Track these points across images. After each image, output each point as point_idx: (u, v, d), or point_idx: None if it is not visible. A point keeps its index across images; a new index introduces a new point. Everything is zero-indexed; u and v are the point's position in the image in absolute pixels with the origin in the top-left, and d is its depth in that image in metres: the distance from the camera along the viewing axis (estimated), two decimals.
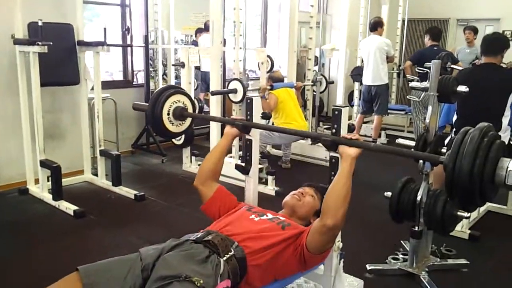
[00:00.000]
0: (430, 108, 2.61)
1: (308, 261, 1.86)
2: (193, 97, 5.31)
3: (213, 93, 4.35)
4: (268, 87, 4.80)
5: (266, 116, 2.06)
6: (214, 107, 4.62)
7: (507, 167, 1.40)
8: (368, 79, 6.14)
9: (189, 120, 2.47)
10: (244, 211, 2.12)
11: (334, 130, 1.85)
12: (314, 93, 5.81)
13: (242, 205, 2.16)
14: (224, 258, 1.72)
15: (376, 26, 6.07)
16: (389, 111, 7.11)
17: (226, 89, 4.52)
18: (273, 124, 4.90)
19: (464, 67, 4.70)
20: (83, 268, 1.65)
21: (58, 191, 3.84)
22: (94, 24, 5.99)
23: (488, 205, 3.82)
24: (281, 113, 4.93)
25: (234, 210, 2.11)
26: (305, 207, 2.15)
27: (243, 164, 2.23)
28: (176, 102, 2.38)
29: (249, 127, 2.14)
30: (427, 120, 2.62)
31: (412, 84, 2.77)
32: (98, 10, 6.17)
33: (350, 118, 7.16)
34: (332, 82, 6.27)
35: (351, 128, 1.87)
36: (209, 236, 1.80)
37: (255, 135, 2.17)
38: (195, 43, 6.58)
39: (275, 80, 5.05)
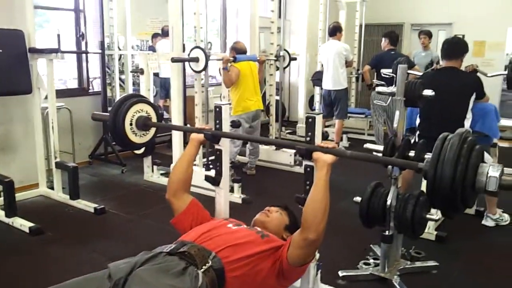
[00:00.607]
0: (397, 112, 2.61)
1: (287, 275, 1.80)
2: None
3: (174, 60, 4.13)
4: (231, 59, 4.61)
5: (235, 124, 1.99)
6: (176, 114, 4.48)
7: (487, 173, 1.38)
8: (328, 84, 6.17)
9: (153, 130, 2.37)
10: (220, 220, 2.06)
11: (308, 138, 1.79)
12: (277, 94, 5.75)
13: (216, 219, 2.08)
14: (202, 270, 1.63)
15: (335, 31, 6.11)
16: (349, 114, 7.18)
17: (187, 57, 4.33)
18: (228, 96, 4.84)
19: (423, 71, 4.79)
20: None
21: (11, 207, 3.60)
22: (46, 30, 5.72)
23: None
24: (239, 88, 4.81)
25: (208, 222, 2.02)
26: (274, 222, 2.11)
27: (213, 175, 2.13)
28: (139, 112, 2.27)
29: (219, 136, 2.05)
30: (395, 125, 2.62)
31: (378, 89, 2.78)
32: (49, 16, 5.91)
33: None
34: (295, 59, 6.11)
35: (325, 136, 1.81)
36: (184, 247, 1.71)
37: (225, 145, 2.09)
38: (151, 49, 6.41)
39: (238, 51, 4.84)
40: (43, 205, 4.13)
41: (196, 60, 4.21)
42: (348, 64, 6.24)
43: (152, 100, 5.22)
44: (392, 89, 2.63)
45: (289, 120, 8.26)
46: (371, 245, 3.24)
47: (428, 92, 2.58)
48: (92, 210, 3.90)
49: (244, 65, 4.80)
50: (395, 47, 5.97)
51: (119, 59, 5.85)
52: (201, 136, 2.12)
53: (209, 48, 4.34)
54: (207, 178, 2.15)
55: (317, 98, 6.85)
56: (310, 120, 1.77)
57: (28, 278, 2.81)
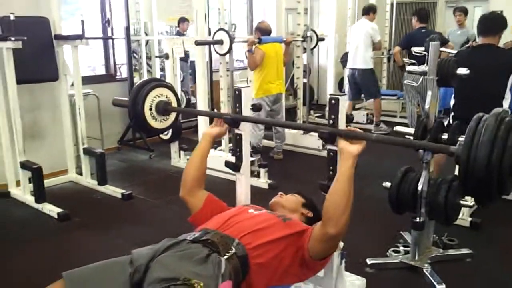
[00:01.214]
0: (429, 92, 2.47)
1: (309, 265, 1.73)
2: (179, 90, 5.23)
3: (197, 43, 4.09)
4: (256, 40, 4.50)
5: (256, 108, 1.92)
6: (201, 99, 4.43)
7: None
8: (351, 62, 6.11)
9: (173, 115, 2.31)
10: (241, 206, 2.01)
11: (331, 121, 1.69)
12: (305, 80, 5.63)
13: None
14: (225, 257, 1.59)
15: (368, 10, 5.94)
16: (381, 96, 7.00)
17: (211, 39, 4.27)
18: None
19: (457, 49, 4.55)
20: (68, 275, 1.51)
21: (40, 193, 3.65)
22: (77, 18, 5.74)
23: None
24: (263, 70, 4.70)
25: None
26: (289, 202, 2.06)
27: (233, 161, 2.06)
28: (159, 96, 2.21)
29: (238, 120, 1.97)
30: (427, 106, 2.49)
31: (409, 68, 2.64)
32: (80, 4, 5.93)
33: None
34: (323, 39, 5.95)
35: (349, 118, 1.71)
36: (207, 234, 1.67)
37: (245, 129, 2.01)
38: (179, 34, 6.36)
39: (263, 32, 4.73)
40: (72, 191, 4.18)
41: (220, 42, 4.13)
42: (375, 46, 6.05)
43: (179, 85, 5.22)
44: (423, 68, 2.49)
45: (318, 103, 8.11)
46: (401, 232, 3.13)
47: (462, 71, 2.42)
48: (120, 196, 3.92)
49: (269, 47, 4.68)
50: (426, 24, 5.66)
51: (146, 44, 5.83)
52: (214, 130, 2.08)
53: (234, 30, 4.24)
54: (227, 164, 2.08)
55: (346, 81, 6.65)
56: (333, 101, 1.67)
57: (52, 263, 2.82)
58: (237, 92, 1.98)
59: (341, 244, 1.87)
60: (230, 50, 4.11)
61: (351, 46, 6.12)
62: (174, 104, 2.29)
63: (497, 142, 1.25)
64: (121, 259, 1.59)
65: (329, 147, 1.74)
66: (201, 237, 1.65)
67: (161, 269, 1.47)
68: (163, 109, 2.19)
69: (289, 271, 1.72)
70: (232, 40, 4.07)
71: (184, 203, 2.05)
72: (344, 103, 1.68)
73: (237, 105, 1.99)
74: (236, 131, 2.02)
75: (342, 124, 1.68)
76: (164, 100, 2.22)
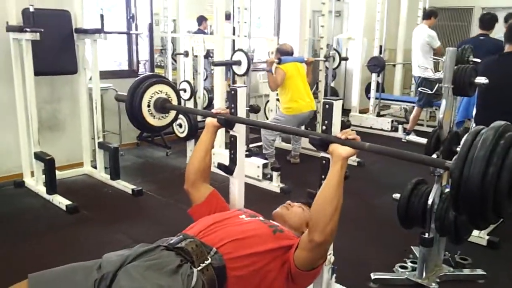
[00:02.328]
0: (443, 101, 2.33)
1: (296, 279, 1.61)
2: (201, 88, 5.20)
3: (215, 64, 4.09)
4: (276, 61, 4.43)
5: (254, 109, 1.85)
6: (219, 99, 4.38)
7: None
8: (413, 69, 5.95)
9: (173, 113, 2.25)
10: (234, 210, 1.92)
11: (324, 127, 1.59)
12: (326, 74, 5.49)
13: None
14: (199, 268, 1.49)
15: (430, 15, 5.72)
16: (407, 103, 6.79)
17: (229, 60, 4.24)
18: (278, 100, 4.60)
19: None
20: (33, 277, 1.47)
21: (51, 185, 3.68)
22: (109, 13, 5.80)
23: None
24: (287, 90, 4.59)
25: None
26: (295, 216, 1.91)
27: (227, 164, 1.98)
28: (158, 93, 2.16)
29: (233, 121, 1.89)
30: (440, 115, 2.34)
31: (424, 74, 2.48)
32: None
33: (366, 111, 6.93)
34: (347, 59, 5.85)
35: (345, 125, 1.61)
36: (183, 242, 1.57)
37: (240, 131, 1.93)
38: (201, 32, 6.29)
39: (283, 53, 4.65)
40: (84, 184, 4.20)
41: (238, 63, 4.10)
42: (435, 51, 5.69)
43: (202, 84, 5.19)
44: (438, 75, 2.34)
45: (344, 108, 7.92)
46: (411, 247, 2.97)
47: (481, 80, 2.27)
48: (130, 192, 3.91)
49: (290, 66, 4.58)
50: (488, 31, 5.03)
51: (172, 42, 5.83)
52: (216, 121, 1.97)
53: (252, 51, 4.21)
54: (219, 166, 2.00)
55: (372, 86, 6.48)
56: (327, 106, 1.57)
57: (54, 255, 2.82)
58: (232, 92, 1.90)
59: (332, 258, 1.76)
60: (248, 71, 4.05)
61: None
62: (175, 102, 2.23)
63: (494, 159, 1.13)
64: (89, 264, 1.52)
65: (322, 154, 1.64)
66: (176, 244, 1.56)
67: (127, 280, 1.40)
68: (161, 106, 2.14)
69: (273, 285, 1.61)
70: (250, 61, 4.03)
71: (188, 195, 1.99)
72: (339, 108, 1.58)
73: (232, 105, 1.91)
74: (231, 132, 1.94)
75: (336, 130, 1.58)
76: (163, 97, 2.17)
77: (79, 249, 2.94)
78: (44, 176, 3.75)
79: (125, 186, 4.00)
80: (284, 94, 4.64)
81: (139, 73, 5.68)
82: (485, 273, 2.69)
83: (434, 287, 2.51)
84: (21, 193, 3.87)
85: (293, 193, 4.03)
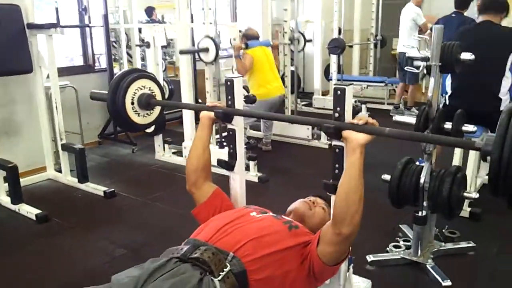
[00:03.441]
0: (432, 79, 2.32)
1: (318, 275, 1.55)
2: (161, 80, 5.00)
3: (182, 52, 3.97)
4: (243, 46, 4.39)
5: (250, 100, 1.77)
6: (186, 90, 4.23)
7: None
8: (398, 46, 6.15)
9: (158, 109, 2.11)
10: (242, 208, 1.81)
11: (337, 114, 1.52)
12: (292, 66, 5.47)
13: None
14: (219, 278, 1.39)
15: None
16: (368, 83, 6.87)
17: (196, 47, 4.14)
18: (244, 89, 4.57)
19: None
20: None
21: (16, 194, 3.42)
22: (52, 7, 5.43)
23: (484, 178, 3.59)
24: (256, 74, 4.58)
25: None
26: (315, 219, 1.82)
27: (226, 159, 1.88)
28: (141, 89, 2.02)
29: (231, 114, 1.79)
30: (429, 94, 2.33)
31: (409, 53, 2.47)
32: None
33: (327, 93, 6.96)
34: (310, 40, 5.88)
35: (355, 110, 1.54)
36: (197, 251, 1.45)
37: (239, 124, 1.83)
38: (152, 22, 6.04)
39: (249, 37, 4.64)
40: (51, 189, 3.96)
41: (205, 50, 4.00)
42: (421, 28, 5.89)
43: (161, 75, 4.99)
44: (425, 53, 2.32)
45: (304, 91, 7.94)
46: (399, 225, 3.00)
47: (467, 56, 2.27)
48: (102, 194, 3.71)
49: (257, 51, 4.58)
50: (462, 10, 4.87)
51: (126, 33, 5.57)
52: (212, 114, 1.85)
53: (219, 35, 4.13)
54: (219, 163, 1.89)
55: (333, 67, 6.50)
56: (338, 92, 1.49)
57: (33, 271, 2.64)
58: (228, 83, 1.79)
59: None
60: (216, 58, 3.96)
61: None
62: (159, 97, 2.10)
63: None
64: None
65: (334, 142, 1.57)
66: (190, 254, 1.44)
67: None
68: (146, 102, 2.00)
69: (295, 284, 1.54)
70: (218, 47, 3.94)
71: (191, 195, 1.86)
72: (351, 93, 1.51)
73: (229, 97, 1.80)
74: (229, 126, 1.84)
75: (348, 117, 1.51)
76: (147, 93, 2.03)
77: (63, 260, 2.75)
78: (6, 184, 3.49)
79: (95, 188, 3.79)
80: (252, 79, 4.61)
81: (95, 68, 5.40)
82: (474, 244, 2.75)
83: (431, 264, 2.53)
84: None
85: (270, 182, 3.97)
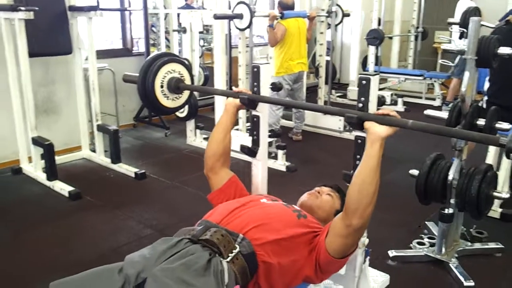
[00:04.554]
0: (467, 74, 2.25)
1: (324, 267, 1.54)
2: (197, 66, 5.05)
3: (216, 17, 3.92)
4: (278, 15, 4.28)
5: (276, 87, 1.76)
6: (219, 77, 4.26)
7: None
8: None
9: (187, 93, 2.14)
10: (254, 196, 1.83)
11: (361, 105, 1.50)
12: (327, 57, 5.40)
13: None
14: (228, 259, 1.41)
15: None
16: (405, 76, 6.71)
17: (230, 13, 4.10)
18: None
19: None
20: (54, 286, 1.36)
21: (52, 171, 3.56)
22: None
23: None
24: (284, 47, 4.46)
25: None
26: (324, 207, 1.81)
27: (250, 145, 1.89)
28: (171, 72, 2.04)
29: (256, 101, 1.80)
30: (463, 88, 2.26)
31: (444, 46, 2.40)
32: None
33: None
34: (349, 15, 5.68)
35: (381, 101, 1.52)
36: (207, 232, 1.47)
37: (263, 110, 1.84)
38: (188, 7, 6.08)
39: (285, 7, 4.47)
40: (85, 168, 4.09)
41: (240, 16, 3.95)
42: None
43: (197, 61, 5.04)
44: (461, 46, 2.26)
45: (339, 82, 7.85)
46: (425, 222, 2.95)
47: (505, 50, 2.19)
48: (133, 175, 3.81)
49: (291, 23, 4.43)
50: None
51: (165, 18, 5.64)
52: (237, 101, 1.86)
53: (254, 3, 4.04)
54: (243, 149, 1.91)
55: (371, 59, 6.37)
56: (363, 82, 1.47)
57: (61, 244, 2.75)
58: (255, 70, 1.80)
59: (366, 240, 1.69)
60: (250, 25, 3.92)
61: None
62: (188, 81, 2.12)
63: None
64: (112, 267, 1.40)
65: (356, 133, 1.55)
66: (200, 235, 1.46)
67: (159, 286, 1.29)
68: (175, 86, 2.03)
69: (302, 273, 1.54)
70: (252, 14, 3.88)
71: (207, 180, 1.89)
72: (376, 84, 1.49)
73: (255, 83, 1.81)
74: (254, 112, 1.85)
75: (372, 108, 1.49)
76: (177, 77, 2.05)
77: (91, 236, 2.86)
78: (43, 161, 3.64)
79: (127, 169, 3.90)
80: (279, 51, 4.49)
81: (134, 51, 5.51)
82: (502, 246, 2.67)
83: (454, 263, 2.48)
84: (20, 180, 3.75)
85: (299, 171, 3.97)
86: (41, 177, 3.63)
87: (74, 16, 3.93)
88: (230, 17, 4.13)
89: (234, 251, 1.43)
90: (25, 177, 3.77)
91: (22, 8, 3.22)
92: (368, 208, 1.44)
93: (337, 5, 5.36)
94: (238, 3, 4.00)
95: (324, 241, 1.51)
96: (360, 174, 1.46)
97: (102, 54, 4.78)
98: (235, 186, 1.85)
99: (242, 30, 4.05)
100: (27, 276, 2.43)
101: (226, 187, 1.84)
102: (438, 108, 6.05)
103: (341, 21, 5.52)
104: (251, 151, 1.88)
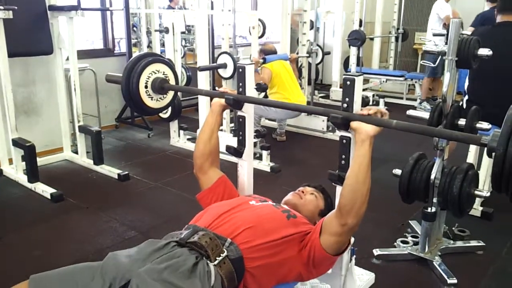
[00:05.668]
0: (447, 74, 2.29)
1: (318, 264, 1.56)
2: (179, 66, 5.03)
3: (201, 69, 4.01)
4: (261, 60, 4.43)
5: (261, 88, 1.77)
6: (203, 77, 4.24)
7: None
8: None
9: (171, 93, 2.14)
10: (242, 197, 1.83)
11: (345, 105, 1.52)
12: (310, 61, 5.47)
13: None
14: (215, 263, 1.41)
15: None
16: (387, 77, 6.79)
17: (214, 64, 4.22)
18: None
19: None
20: (34, 278, 1.35)
21: (33, 172, 3.50)
22: None
23: None
24: (277, 87, 4.56)
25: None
26: (308, 206, 1.84)
27: (235, 146, 1.89)
28: (155, 73, 2.04)
29: (242, 101, 1.80)
30: (444, 89, 2.31)
31: (425, 47, 2.44)
32: None
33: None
34: (329, 53, 5.96)
35: (365, 101, 1.53)
36: (195, 235, 1.47)
37: (248, 111, 1.84)
38: (171, 8, 6.05)
39: (267, 52, 4.67)
40: (67, 170, 4.03)
41: (223, 66, 4.07)
42: (444, 22, 5.87)
43: (179, 62, 5.02)
44: (441, 47, 2.29)
45: (322, 83, 7.89)
46: (409, 221, 2.99)
47: (484, 51, 2.23)
48: (116, 176, 3.77)
49: (276, 64, 4.58)
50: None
51: (146, 18, 5.61)
52: (222, 101, 1.87)
53: (237, 51, 4.28)
54: (228, 149, 1.91)
55: (353, 60, 6.43)
56: (348, 82, 1.49)
57: (43, 247, 2.70)
58: (240, 70, 1.80)
59: (352, 239, 1.71)
60: (234, 74, 3.97)
61: None
62: (172, 82, 2.11)
63: None
64: (94, 265, 1.39)
65: (341, 133, 1.57)
66: (188, 238, 1.46)
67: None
68: (159, 87, 2.02)
69: (292, 272, 1.56)
70: (236, 63, 3.94)
71: (197, 180, 1.89)
72: (360, 84, 1.50)
73: (240, 84, 1.81)
74: (239, 113, 1.85)
75: (357, 108, 1.51)
76: (161, 77, 2.05)
77: (74, 239, 2.83)
78: (24, 163, 3.57)
79: (110, 171, 3.85)
80: (274, 93, 4.59)
81: (115, 52, 5.45)
82: (483, 244, 2.72)
83: (437, 261, 2.52)
84: (0, 183, 3.67)
85: (283, 172, 3.98)
86: (22, 179, 3.57)
87: (54, 16, 3.87)
88: (214, 68, 4.27)
89: (221, 255, 1.43)
90: (6, 179, 3.70)
91: (1, 7, 3.16)
92: (363, 206, 1.47)
93: (318, 45, 5.56)
94: (221, 53, 4.13)
95: (319, 239, 1.52)
96: (352, 174, 1.48)
97: (83, 54, 4.72)
98: (224, 185, 1.86)
99: (226, 79, 4.16)
100: (7, 279, 2.38)
101: (215, 186, 1.84)
102: (406, 107, 6.20)
103: (321, 61, 5.99)
104: (237, 152, 1.88)
